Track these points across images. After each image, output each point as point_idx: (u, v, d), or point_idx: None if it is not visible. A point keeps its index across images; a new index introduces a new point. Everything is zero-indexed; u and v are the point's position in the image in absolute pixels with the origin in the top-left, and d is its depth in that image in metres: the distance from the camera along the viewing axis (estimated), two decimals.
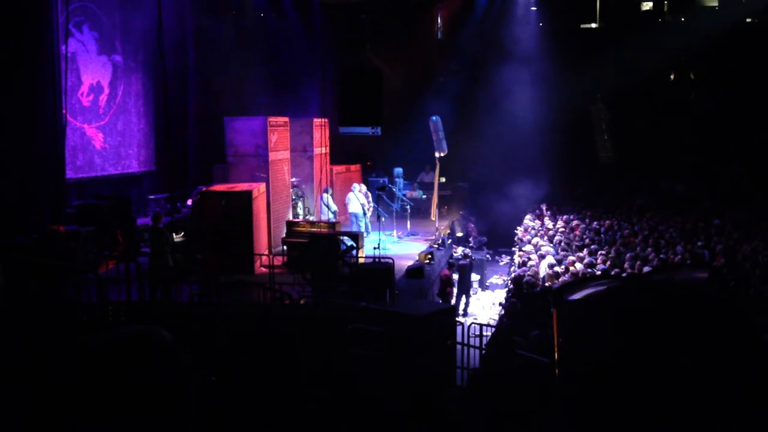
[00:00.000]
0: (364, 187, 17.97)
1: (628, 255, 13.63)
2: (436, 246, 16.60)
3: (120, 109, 18.55)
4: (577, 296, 3.63)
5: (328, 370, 8.37)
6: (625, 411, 3.09)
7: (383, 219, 17.03)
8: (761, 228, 15.74)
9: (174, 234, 14.71)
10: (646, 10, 26.34)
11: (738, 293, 9.50)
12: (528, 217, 19.26)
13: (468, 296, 16.32)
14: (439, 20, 25.36)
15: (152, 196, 19.01)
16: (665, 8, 26.18)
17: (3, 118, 12.88)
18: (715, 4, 25.26)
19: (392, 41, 22.97)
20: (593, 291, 3.64)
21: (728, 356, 3.05)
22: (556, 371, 3.53)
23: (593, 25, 26.05)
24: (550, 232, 16.88)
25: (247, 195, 13.84)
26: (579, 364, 3.26)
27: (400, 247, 17.22)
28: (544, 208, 19.95)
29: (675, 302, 3.26)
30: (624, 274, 11.61)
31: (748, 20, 24.46)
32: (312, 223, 15.30)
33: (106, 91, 18.03)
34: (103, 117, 17.88)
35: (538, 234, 16.90)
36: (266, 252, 14.54)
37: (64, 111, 13.84)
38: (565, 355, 3.46)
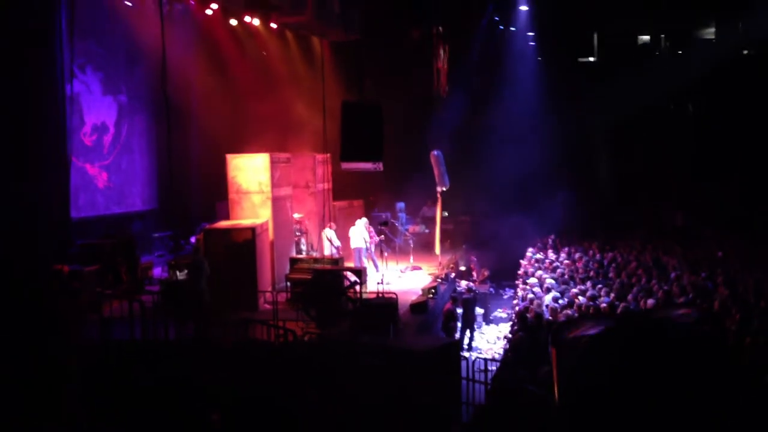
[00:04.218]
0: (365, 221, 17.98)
1: (630, 287, 13.61)
2: (440, 280, 16.58)
3: (124, 148, 18.68)
4: (574, 335, 3.66)
5: (333, 406, 8.34)
6: None
7: (386, 254, 17.05)
8: (764, 258, 15.73)
9: (178, 271, 14.76)
10: (644, 44, 26.66)
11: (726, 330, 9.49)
12: (531, 250, 19.26)
13: (472, 330, 16.26)
14: (439, 56, 25.65)
15: (156, 234, 19.06)
16: (662, 41, 26.49)
17: (5, 159, 12.98)
18: (712, 36, 25.59)
19: (393, 76, 23.20)
20: (591, 330, 3.68)
21: (721, 392, 3.07)
22: (557, 408, 3.55)
23: (591, 59, 26.34)
24: (554, 265, 16.87)
25: (251, 232, 13.88)
26: (579, 401, 3.27)
27: (404, 281, 17.21)
28: (550, 240, 19.94)
29: (670, 341, 3.30)
30: (619, 312, 11.58)
31: (745, 52, 24.73)
32: (315, 259, 15.31)
33: (111, 130, 18.18)
34: (107, 156, 18.01)
35: (542, 267, 16.89)
36: (270, 289, 14.54)
37: (68, 152, 13.98)
38: (565, 392, 3.48)
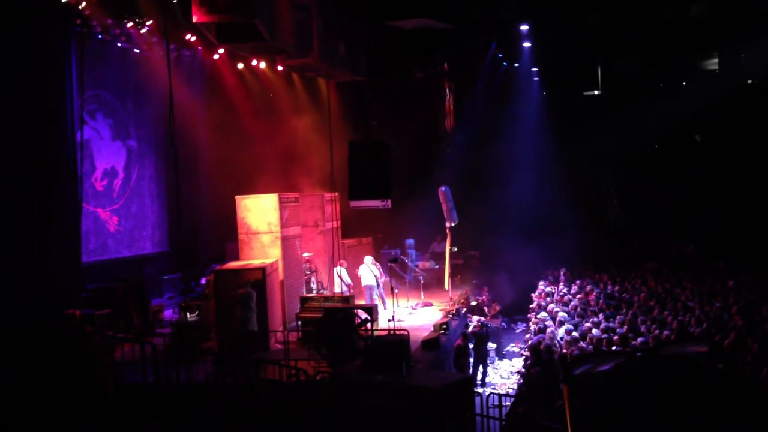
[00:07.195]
0: (371, 258, 17.98)
1: (644, 318, 13.51)
2: (451, 315, 16.52)
3: (134, 192, 18.85)
4: (586, 372, 3.66)
5: None
6: None
7: (396, 291, 17.00)
8: None
9: (188, 313, 14.77)
10: (648, 76, 26.81)
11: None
12: (542, 283, 19.19)
13: (485, 366, 16.14)
14: (444, 94, 25.87)
15: (166, 277, 19.10)
16: (666, 73, 26.63)
17: (17, 206, 13.11)
18: (716, 67, 25.73)
19: (399, 115, 23.38)
20: (602, 367, 3.68)
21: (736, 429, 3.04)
22: None
23: (596, 92, 26.50)
24: (566, 298, 16.79)
25: (261, 272, 13.89)
26: None
27: (415, 317, 17.14)
28: (562, 273, 19.86)
29: (681, 378, 3.29)
30: (629, 349, 11.47)
31: (749, 81, 24.82)
32: (326, 298, 15.29)
33: (121, 175, 18.37)
34: (117, 200, 18.16)
35: (554, 300, 16.82)
36: (281, 328, 14.50)
37: (79, 197, 14.09)
38: (578, 429, 3.47)
